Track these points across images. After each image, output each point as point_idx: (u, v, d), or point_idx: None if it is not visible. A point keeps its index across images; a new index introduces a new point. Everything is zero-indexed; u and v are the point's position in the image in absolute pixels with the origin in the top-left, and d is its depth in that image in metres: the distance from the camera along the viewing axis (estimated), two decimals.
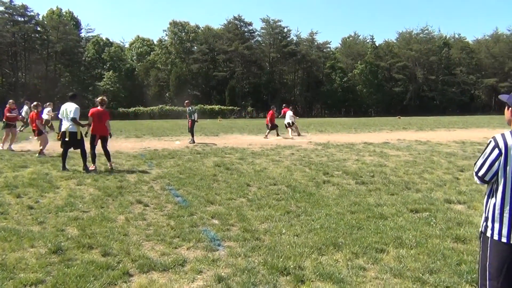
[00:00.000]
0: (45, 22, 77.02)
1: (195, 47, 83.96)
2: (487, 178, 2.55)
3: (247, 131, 26.56)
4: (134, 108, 67.46)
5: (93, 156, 10.18)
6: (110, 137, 10.74)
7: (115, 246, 4.67)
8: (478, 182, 2.65)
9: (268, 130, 21.01)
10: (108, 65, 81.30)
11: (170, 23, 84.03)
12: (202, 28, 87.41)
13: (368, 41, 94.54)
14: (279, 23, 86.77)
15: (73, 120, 9.92)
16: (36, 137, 13.95)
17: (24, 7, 73.25)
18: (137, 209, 6.43)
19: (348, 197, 7.10)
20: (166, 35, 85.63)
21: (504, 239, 2.48)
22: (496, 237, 2.52)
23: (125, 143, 17.90)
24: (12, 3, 72.67)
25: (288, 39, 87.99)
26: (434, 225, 5.40)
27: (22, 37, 74.41)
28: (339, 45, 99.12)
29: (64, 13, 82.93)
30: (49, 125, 16.48)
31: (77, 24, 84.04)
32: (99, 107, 10.33)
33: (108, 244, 4.72)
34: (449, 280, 3.77)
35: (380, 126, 31.98)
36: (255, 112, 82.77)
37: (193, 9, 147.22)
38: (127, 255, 4.43)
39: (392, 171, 9.75)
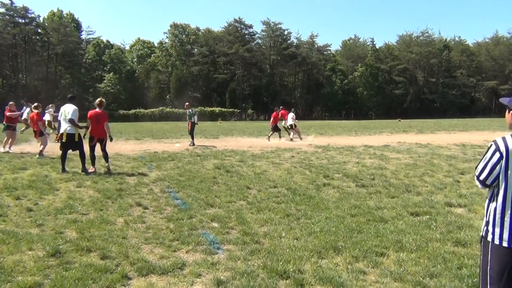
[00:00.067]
0: (46, 24, 77.16)
1: (196, 50, 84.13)
2: (488, 182, 2.53)
3: (247, 134, 26.54)
4: (134, 110, 67.53)
5: (93, 158, 10.16)
6: (111, 140, 10.70)
7: (114, 249, 4.65)
8: (479, 186, 2.63)
9: (271, 132, 21.08)
10: (108, 67, 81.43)
11: (171, 26, 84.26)
12: (202, 31, 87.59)
13: (368, 43, 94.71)
14: (279, 26, 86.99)
15: (71, 121, 9.91)
16: (36, 138, 13.94)
17: (25, 9, 73.37)
18: (136, 211, 6.40)
19: (348, 200, 7.08)
20: (167, 37, 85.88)
21: (505, 244, 2.46)
22: (497, 241, 2.49)
23: (125, 145, 17.88)
24: (13, 5, 72.82)
25: (289, 41, 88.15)
26: (434, 228, 5.38)
27: (23, 38, 74.52)
28: (340, 48, 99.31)
29: (65, 15, 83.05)
30: (52, 126, 16.52)
31: (78, 26, 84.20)
32: (97, 109, 10.28)
33: (107, 247, 4.70)
34: (450, 284, 3.75)
35: (380, 129, 31.97)
36: (256, 115, 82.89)
37: (193, 12, 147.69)
38: (125, 258, 4.40)
39: (392, 174, 9.73)
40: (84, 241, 4.88)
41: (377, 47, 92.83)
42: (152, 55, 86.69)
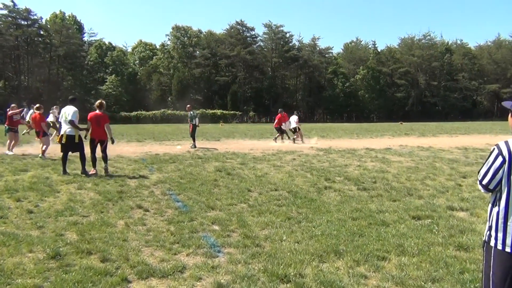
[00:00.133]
0: (48, 26, 77.35)
1: (198, 52, 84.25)
2: (491, 186, 2.51)
3: (248, 136, 26.54)
4: (136, 112, 67.59)
5: (93, 160, 10.15)
6: (113, 143, 10.68)
7: (114, 252, 4.63)
8: (482, 190, 2.61)
9: (278, 134, 21.14)
10: (110, 69, 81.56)
11: (173, 28, 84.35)
12: (204, 33, 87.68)
13: (370, 46, 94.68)
14: (281, 28, 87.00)
15: (71, 122, 9.91)
16: (39, 139, 13.95)
17: (28, 11, 73.60)
18: (137, 214, 6.39)
19: (350, 203, 7.05)
20: (169, 39, 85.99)
21: (508, 249, 2.43)
22: (500, 246, 2.47)
23: (126, 147, 17.89)
24: (16, 7, 73.02)
25: (290, 44, 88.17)
26: (436, 232, 5.35)
27: (25, 40, 74.70)
28: (341, 51, 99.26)
29: (67, 17, 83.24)
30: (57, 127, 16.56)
31: (80, 28, 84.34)
32: (97, 111, 10.25)
33: (107, 250, 4.68)
34: None
35: (382, 132, 31.93)
36: (257, 117, 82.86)
37: (195, 14, 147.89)
38: (126, 261, 4.39)
39: (394, 177, 9.70)
40: (85, 244, 4.87)
41: (379, 50, 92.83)
42: (154, 57, 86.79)
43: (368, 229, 5.50)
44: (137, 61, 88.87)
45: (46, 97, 61.33)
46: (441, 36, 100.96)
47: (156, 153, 15.14)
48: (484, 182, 2.54)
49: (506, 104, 2.65)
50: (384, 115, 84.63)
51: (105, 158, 10.24)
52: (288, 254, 4.56)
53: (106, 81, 77.99)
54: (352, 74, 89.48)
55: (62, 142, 9.98)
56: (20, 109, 15.60)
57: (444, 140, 22.38)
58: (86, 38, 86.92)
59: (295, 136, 21.09)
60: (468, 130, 35.44)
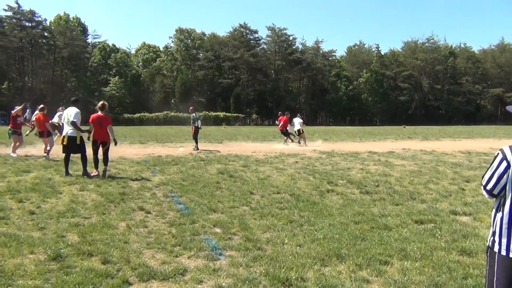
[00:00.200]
0: (53, 28, 77.74)
1: (201, 54, 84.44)
2: (495, 191, 2.49)
3: (251, 139, 26.53)
4: (139, 114, 67.80)
5: (96, 161, 10.14)
6: (115, 144, 10.65)
7: (115, 254, 4.62)
8: (486, 196, 2.58)
9: (285, 137, 21.18)
10: (114, 71, 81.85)
11: (176, 30, 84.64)
12: (208, 35, 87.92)
13: (373, 49, 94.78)
14: (284, 31, 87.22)
15: (73, 123, 9.91)
16: (45, 139, 13.98)
17: (32, 13, 73.99)
18: (139, 216, 6.38)
19: (352, 207, 7.02)
20: (172, 41, 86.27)
21: None
22: (504, 252, 2.44)
23: (129, 149, 17.90)
24: (20, 8, 73.42)
25: (294, 47, 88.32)
26: (439, 237, 5.31)
27: (29, 42, 75.07)
28: (345, 54, 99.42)
29: (72, 19, 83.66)
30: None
31: (84, 30, 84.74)
32: (99, 113, 10.24)
33: (108, 252, 4.67)
34: None
35: (385, 135, 31.87)
36: (260, 120, 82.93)
37: (199, 17, 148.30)
38: (127, 263, 4.37)
39: (397, 181, 9.66)
40: (86, 245, 4.85)
41: (382, 53, 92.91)
42: (157, 59, 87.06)
43: (371, 233, 5.47)
44: (141, 63, 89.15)
45: (50, 99, 61.53)
46: (445, 40, 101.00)
47: (158, 155, 15.15)
48: (488, 187, 2.51)
49: (510, 108, 2.63)
50: (387, 118, 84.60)
51: (105, 160, 10.16)
52: (290, 257, 4.54)
53: (110, 83, 78.28)
54: (355, 77, 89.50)
55: (64, 143, 9.99)
56: (23, 104, 15.61)
57: (447, 144, 22.31)
58: (90, 40, 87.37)
59: (298, 141, 21.11)
60: (471, 134, 35.34)
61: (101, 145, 10.17)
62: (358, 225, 5.85)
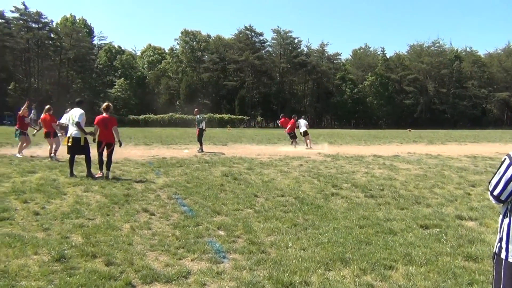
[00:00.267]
0: (59, 29, 78.13)
1: (206, 56, 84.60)
2: (503, 197, 2.45)
3: (256, 141, 26.52)
4: (144, 116, 67.95)
5: (101, 162, 10.15)
6: (120, 145, 10.66)
7: (119, 256, 4.61)
8: (493, 201, 2.55)
9: (293, 140, 21.19)
10: (119, 73, 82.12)
11: (182, 32, 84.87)
12: (213, 38, 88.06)
13: (379, 53, 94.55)
14: (289, 34, 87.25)
15: (77, 124, 9.93)
16: (51, 139, 14.04)
17: (39, 14, 74.40)
18: (143, 217, 6.37)
19: (357, 210, 6.99)
20: (178, 44, 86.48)
21: None
22: (510, 259, 2.41)
23: (134, 150, 17.94)
24: (27, 10, 73.86)
25: (299, 50, 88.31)
26: (444, 242, 5.27)
27: (36, 43, 75.49)
28: (350, 57, 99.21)
29: (78, 21, 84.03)
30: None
31: (90, 32, 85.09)
32: (104, 114, 10.24)
33: (112, 253, 4.66)
34: None
35: (390, 139, 31.77)
36: (265, 122, 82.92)
37: (204, 19, 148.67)
38: (130, 265, 4.36)
39: (402, 185, 9.61)
40: (90, 247, 4.85)
41: (388, 57, 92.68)
42: (163, 61, 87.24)
43: (375, 237, 5.44)
44: (146, 65, 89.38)
45: (55, 100, 61.80)
46: (450, 44, 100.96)
47: (163, 156, 15.16)
48: (496, 193, 2.48)
49: None
50: (392, 122, 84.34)
51: (108, 163, 10.12)
52: (294, 261, 4.51)
53: (115, 84, 78.55)
54: (360, 81, 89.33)
55: (69, 144, 10.02)
56: (27, 103, 15.67)
57: (453, 148, 22.20)
58: (96, 41, 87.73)
59: (309, 146, 21.19)
60: (477, 138, 35.16)
61: (106, 146, 10.16)
62: (362, 229, 5.81)
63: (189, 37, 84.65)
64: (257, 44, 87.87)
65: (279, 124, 26.02)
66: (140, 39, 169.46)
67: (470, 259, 4.65)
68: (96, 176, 9.93)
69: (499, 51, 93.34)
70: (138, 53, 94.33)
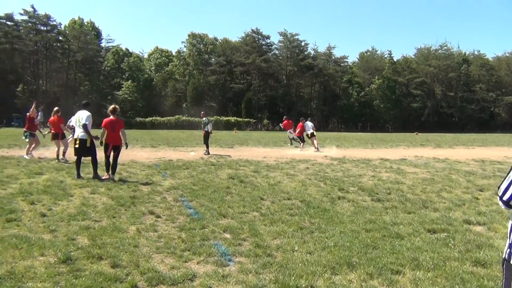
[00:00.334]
0: (67, 32, 78.75)
1: (213, 59, 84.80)
2: None
3: (262, 144, 26.49)
4: (151, 118, 68.15)
5: (107, 165, 10.18)
6: (126, 148, 10.67)
7: (125, 258, 4.61)
8: (502, 207, 2.51)
9: (302, 142, 21.18)
10: (126, 75, 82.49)
11: (189, 35, 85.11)
12: (220, 40, 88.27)
13: (386, 56, 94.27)
14: (296, 37, 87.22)
15: (83, 126, 9.97)
16: (59, 141, 14.13)
17: (47, 17, 75.02)
18: (149, 220, 6.38)
19: (364, 214, 6.94)
20: (185, 46, 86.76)
21: None
22: None
23: (140, 152, 17.99)
24: (36, 12, 74.50)
25: (305, 52, 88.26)
26: (452, 246, 5.22)
27: (44, 45, 76.10)
28: (357, 60, 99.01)
29: (86, 23, 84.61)
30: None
31: (98, 34, 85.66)
32: (111, 117, 10.26)
33: (118, 255, 4.66)
34: None
35: (397, 142, 31.62)
36: (271, 125, 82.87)
37: (211, 22, 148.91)
38: (136, 267, 4.36)
39: (409, 189, 9.55)
40: (96, 249, 4.86)
41: (395, 60, 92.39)
42: (169, 63, 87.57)
43: (382, 241, 5.40)
44: (153, 68, 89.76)
45: (63, 102, 62.14)
46: (458, 47, 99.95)
47: (169, 159, 15.18)
48: (505, 198, 2.44)
49: None
50: (399, 125, 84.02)
51: (113, 168, 10.13)
52: (300, 265, 4.49)
53: (122, 87, 78.89)
54: (367, 84, 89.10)
55: (76, 146, 10.07)
56: (35, 103, 15.78)
57: (461, 152, 22.05)
58: (103, 44, 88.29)
59: (316, 147, 21.20)
60: (485, 142, 34.90)
61: (113, 149, 10.17)
62: (369, 233, 5.77)
63: (196, 40, 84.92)
64: (263, 47, 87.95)
65: (282, 127, 26.07)
66: (148, 42, 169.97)
67: (478, 264, 4.60)
68: (103, 178, 9.96)
69: (508, 55, 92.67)
70: (145, 56, 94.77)
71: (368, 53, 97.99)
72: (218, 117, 65.41)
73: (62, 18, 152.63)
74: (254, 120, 75.04)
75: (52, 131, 14.30)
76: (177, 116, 68.40)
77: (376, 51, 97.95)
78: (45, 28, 75.99)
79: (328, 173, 12.14)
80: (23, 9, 74.97)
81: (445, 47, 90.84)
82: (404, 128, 79.03)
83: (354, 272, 4.34)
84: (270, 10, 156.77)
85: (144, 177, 10.57)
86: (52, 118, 14.40)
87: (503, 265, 2.53)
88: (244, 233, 5.72)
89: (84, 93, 73.99)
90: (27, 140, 14.85)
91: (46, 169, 11.60)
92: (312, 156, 17.35)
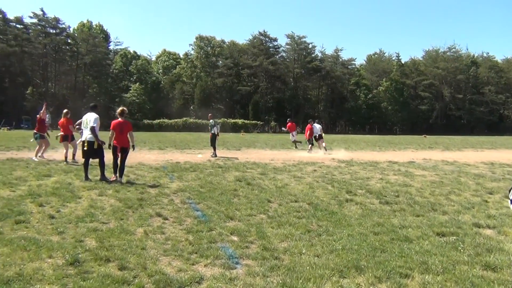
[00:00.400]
0: (76, 35, 79.48)
1: (220, 62, 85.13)
2: None
3: (269, 146, 26.47)
4: (158, 120, 68.50)
5: (115, 166, 10.19)
6: (133, 149, 10.69)
7: (132, 260, 4.61)
8: None
9: (310, 145, 21.16)
10: (134, 78, 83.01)
11: (196, 38, 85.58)
12: (227, 43, 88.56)
13: (393, 58, 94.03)
14: (303, 39, 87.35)
15: (91, 129, 10.01)
16: (66, 143, 14.23)
17: (56, 20, 75.80)
18: (156, 222, 6.38)
19: (372, 217, 6.90)
20: (192, 49, 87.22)
21: None
22: None
23: (148, 154, 18.04)
24: (45, 16, 75.25)
25: (313, 55, 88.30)
26: (462, 250, 5.16)
27: (53, 48, 76.82)
28: (364, 62, 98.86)
29: (94, 26, 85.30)
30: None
31: (106, 37, 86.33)
32: (119, 119, 10.28)
33: (125, 258, 4.66)
34: None
35: (405, 145, 31.46)
36: (278, 127, 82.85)
37: (219, 24, 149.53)
38: (143, 270, 4.36)
39: (417, 192, 9.47)
40: (103, 251, 4.86)
41: (403, 62, 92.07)
42: (177, 66, 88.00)
43: (391, 244, 5.35)
44: (161, 70, 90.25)
45: (72, 104, 62.56)
46: (467, 49, 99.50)
47: (177, 161, 15.21)
48: None
49: None
50: (407, 127, 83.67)
51: (121, 171, 10.13)
52: (308, 268, 4.46)
53: (130, 89, 79.38)
54: (375, 86, 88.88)
55: (84, 148, 10.11)
56: (45, 104, 15.91)
57: (470, 155, 21.88)
58: (111, 46, 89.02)
59: (325, 148, 21.21)
60: (494, 144, 34.61)
61: (121, 151, 10.18)
62: (377, 236, 5.73)
63: (203, 42, 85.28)
64: (271, 49, 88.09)
65: (286, 129, 26.07)
66: (155, 45, 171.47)
67: (488, 268, 4.54)
68: (111, 179, 9.99)
69: None
70: (153, 58, 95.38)
71: (376, 55, 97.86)
72: (226, 119, 65.53)
73: (71, 21, 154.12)
74: (261, 123, 75.09)
75: (62, 133, 14.39)
76: (184, 118, 68.69)
77: (384, 53, 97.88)
78: (54, 31, 76.78)
79: (335, 175, 12.09)
80: (33, 12, 75.81)
81: (453, 49, 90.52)
82: (412, 130, 78.64)
83: (362, 275, 4.31)
84: (278, 13, 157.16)
85: (152, 179, 10.59)
86: (61, 120, 14.50)
87: None
88: (251, 235, 5.70)
89: (93, 96, 74.58)
90: (37, 141, 14.94)
91: (55, 171, 11.66)
92: (319, 159, 17.29)
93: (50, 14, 77.91)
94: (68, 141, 14.24)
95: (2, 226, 5.87)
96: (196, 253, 4.95)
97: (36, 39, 74.69)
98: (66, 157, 13.77)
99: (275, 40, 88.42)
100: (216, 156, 17.51)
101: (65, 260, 4.54)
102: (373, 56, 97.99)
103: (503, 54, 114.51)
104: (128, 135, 10.25)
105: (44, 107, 15.51)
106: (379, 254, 4.95)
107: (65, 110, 14.80)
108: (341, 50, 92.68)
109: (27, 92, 70.72)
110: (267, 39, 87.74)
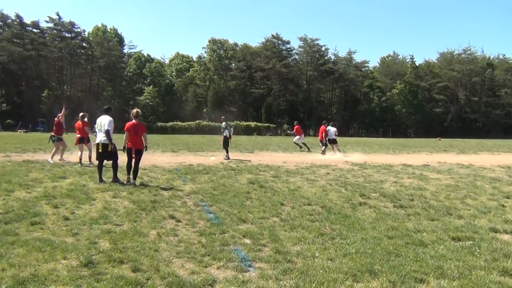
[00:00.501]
0: (91, 38, 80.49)
1: (233, 64, 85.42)
2: None
3: (282, 149, 26.43)
4: (172, 123, 68.94)
5: (129, 168, 10.25)
6: (145, 150, 10.74)
7: (146, 262, 4.63)
8: None
9: (323, 147, 21.11)
10: (148, 80, 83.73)
11: (209, 41, 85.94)
12: (240, 46, 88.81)
13: (407, 60, 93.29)
14: (316, 42, 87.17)
15: (106, 132, 10.09)
16: (80, 145, 14.39)
17: (72, 24, 76.82)
18: (169, 224, 6.40)
19: (385, 221, 6.82)
20: (205, 52, 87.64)
21: None
22: None
23: (161, 157, 18.14)
24: (61, 20, 76.33)
25: (326, 57, 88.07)
26: (478, 255, 5.07)
27: (69, 52, 77.90)
28: (378, 64, 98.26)
29: (109, 30, 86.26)
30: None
31: (120, 41, 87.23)
32: (134, 120, 10.36)
33: (138, 259, 4.68)
34: None
35: (419, 148, 31.15)
36: (291, 130, 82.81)
37: (232, 28, 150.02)
38: (156, 271, 4.37)
39: (432, 195, 9.36)
40: (117, 253, 4.89)
41: (417, 64, 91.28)
42: (190, 69, 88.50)
43: (405, 248, 5.28)
44: (174, 73, 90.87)
45: (87, 107, 63.29)
46: (482, 51, 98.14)
47: (190, 163, 15.26)
48: None
49: None
50: (421, 130, 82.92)
51: (135, 173, 10.18)
52: (321, 271, 4.42)
53: (144, 92, 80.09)
54: (388, 89, 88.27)
55: (99, 150, 10.20)
56: (65, 105, 16.13)
57: (486, 158, 21.56)
58: (126, 50, 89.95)
59: (337, 152, 21.17)
60: (511, 148, 34.07)
61: (135, 153, 10.24)
62: (391, 240, 5.66)
63: (216, 45, 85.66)
64: (284, 52, 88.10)
65: (294, 132, 26.03)
66: (169, 48, 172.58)
67: (506, 274, 4.45)
68: (124, 182, 10.05)
69: None
70: (167, 61, 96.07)
71: (390, 57, 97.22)
72: (238, 122, 65.66)
73: (86, 25, 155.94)
74: (274, 125, 75.05)
75: (78, 135, 14.54)
76: (197, 121, 69.02)
77: (398, 55, 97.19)
78: (69, 35, 77.85)
79: (349, 178, 12.00)
80: (49, 17, 77.04)
81: (468, 51, 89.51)
82: (426, 133, 77.91)
83: (376, 279, 4.26)
84: (291, 16, 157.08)
85: (165, 182, 10.64)
86: (78, 122, 14.66)
87: None
88: (264, 238, 5.68)
89: (107, 98, 75.36)
90: (54, 144, 15.11)
91: (70, 173, 11.79)
92: (332, 162, 17.20)
93: (66, 19, 79.02)
94: (84, 143, 14.42)
95: (18, 227, 5.94)
96: (208, 255, 4.94)
97: (52, 43, 75.82)
98: (80, 159, 13.92)
99: (288, 42, 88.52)
100: (229, 158, 17.53)
101: (79, 261, 4.57)
102: (386, 59, 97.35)
103: None
104: (142, 137, 10.31)
105: (63, 110, 15.72)
106: (394, 258, 4.89)
107: (81, 114, 15.01)
108: (354, 52, 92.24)
109: (43, 95, 71.75)
110: (280, 41, 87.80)
